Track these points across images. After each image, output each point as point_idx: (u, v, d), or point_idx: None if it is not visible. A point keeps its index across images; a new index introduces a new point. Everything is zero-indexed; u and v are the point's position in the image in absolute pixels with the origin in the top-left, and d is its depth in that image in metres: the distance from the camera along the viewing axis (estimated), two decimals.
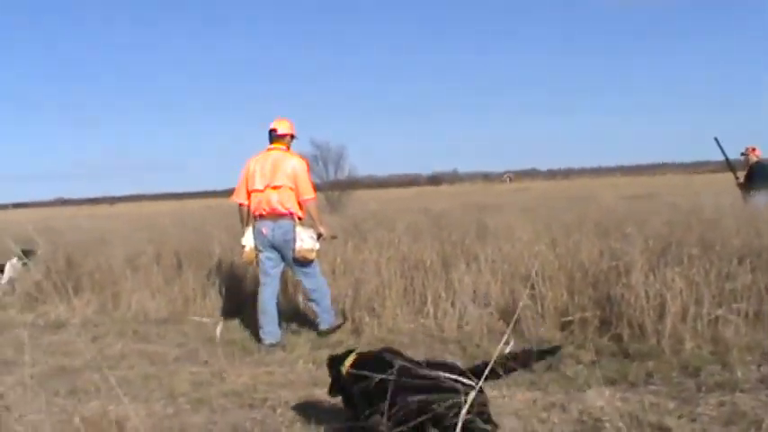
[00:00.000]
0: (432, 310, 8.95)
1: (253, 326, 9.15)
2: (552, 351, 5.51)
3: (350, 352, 5.62)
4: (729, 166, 14.94)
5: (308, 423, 5.62)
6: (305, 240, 8.67)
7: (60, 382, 7.31)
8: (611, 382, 6.40)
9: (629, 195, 16.62)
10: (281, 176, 8.71)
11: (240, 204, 9.05)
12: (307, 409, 6.03)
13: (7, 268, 13.46)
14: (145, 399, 6.51)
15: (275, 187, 8.69)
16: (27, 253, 13.70)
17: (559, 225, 10.88)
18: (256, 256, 8.87)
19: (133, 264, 11.97)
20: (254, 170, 8.84)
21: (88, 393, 6.76)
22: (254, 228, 8.83)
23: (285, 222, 8.68)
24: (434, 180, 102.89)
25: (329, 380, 5.76)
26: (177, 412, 6.13)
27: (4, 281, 13.50)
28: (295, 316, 9.71)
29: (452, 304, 8.83)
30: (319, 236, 8.92)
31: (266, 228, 8.69)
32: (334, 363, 5.57)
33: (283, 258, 8.82)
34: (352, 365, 5.39)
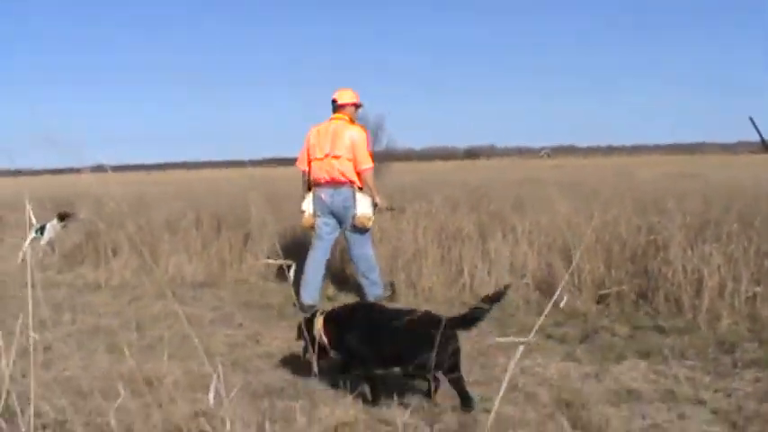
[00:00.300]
0: (468, 280, 8.95)
1: (288, 290, 9.20)
2: (501, 294, 5.72)
3: (314, 314, 6.05)
4: (765, 145, 14.97)
5: (343, 386, 5.64)
6: (364, 207, 8.81)
7: (98, 340, 7.38)
8: (645, 356, 6.40)
9: (667, 173, 16.47)
10: (340, 146, 8.79)
11: (303, 171, 9.13)
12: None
13: (47, 229, 13.58)
14: (181, 358, 6.56)
15: (335, 157, 8.78)
16: (66, 215, 13.86)
17: (597, 200, 10.82)
18: (314, 221, 8.96)
19: (171, 227, 12.05)
20: (315, 139, 8.97)
21: (125, 352, 6.82)
22: (313, 194, 8.94)
23: (344, 190, 8.78)
24: (471, 154, 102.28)
25: None
26: (213, 372, 6.18)
27: (43, 242, 13.63)
28: (330, 284, 9.75)
29: (489, 274, 8.85)
30: (375, 205, 8.99)
31: (325, 194, 8.81)
32: (307, 327, 5.73)
33: (340, 225, 8.94)
34: (325, 323, 5.84)
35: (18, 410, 3.46)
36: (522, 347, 2.88)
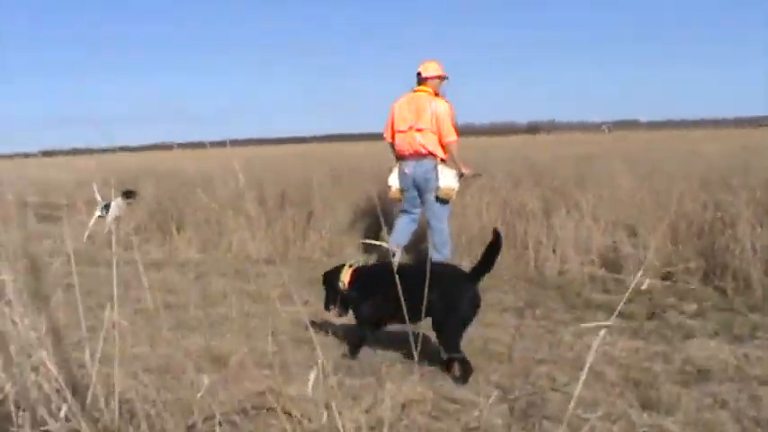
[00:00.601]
0: (532, 256, 8.89)
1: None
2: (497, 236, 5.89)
3: (342, 266, 6.51)
4: None
5: (409, 363, 5.64)
6: (448, 178, 8.92)
7: (164, 318, 7.43)
8: (714, 334, 6.32)
9: (732, 147, 16.21)
10: (424, 119, 8.91)
11: (390, 143, 9.29)
12: (406, 350, 6.04)
13: (112, 207, 13.75)
14: (247, 335, 6.60)
15: (418, 129, 8.92)
16: (131, 193, 14.03)
17: (661, 175, 10.69)
18: (401, 194, 9.16)
19: (235, 204, 12.13)
20: (399, 112, 9.11)
21: (191, 329, 6.88)
22: (398, 168, 9.15)
23: (427, 162, 8.91)
24: (532, 129, 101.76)
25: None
26: (279, 349, 6.20)
27: (109, 219, 13.79)
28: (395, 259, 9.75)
29: (553, 250, 8.78)
30: (461, 176, 9.11)
31: (409, 167, 8.98)
32: (331, 279, 6.42)
33: (422, 197, 9.07)
34: (352, 278, 6.28)
35: (92, 391, 3.49)
36: (603, 332, 2.82)
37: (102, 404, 3.38)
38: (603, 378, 5.23)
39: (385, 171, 9.49)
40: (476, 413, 4.52)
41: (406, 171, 8.98)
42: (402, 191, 9.14)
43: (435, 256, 8.85)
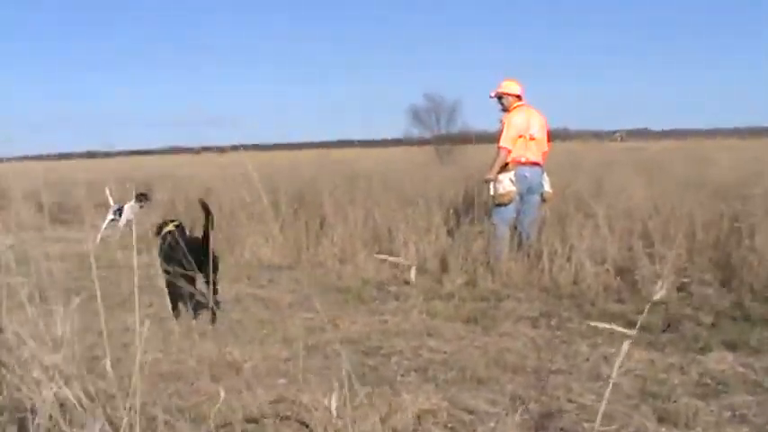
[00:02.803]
0: (547, 265, 8.84)
1: (364, 272, 9.32)
2: None
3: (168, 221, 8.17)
4: None
5: (424, 373, 5.60)
6: (548, 185, 9.73)
7: (176, 322, 7.43)
8: (731, 346, 6.21)
9: (748, 157, 16.11)
10: (538, 129, 9.71)
11: (505, 150, 9.56)
12: (422, 359, 6.02)
13: (125, 210, 13.76)
14: (260, 342, 6.57)
15: (533, 138, 9.64)
16: (144, 196, 14.04)
17: (677, 185, 10.63)
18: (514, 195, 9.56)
19: (248, 210, 12.11)
20: (529, 121, 9.67)
21: (204, 335, 6.84)
22: (516, 172, 9.50)
23: (538, 168, 9.65)
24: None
25: (443, 330, 6.02)
26: (292, 356, 6.17)
27: (122, 222, 13.80)
28: (408, 268, 9.72)
29: (568, 260, 8.71)
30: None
31: (529, 173, 9.53)
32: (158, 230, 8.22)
33: (526, 198, 9.61)
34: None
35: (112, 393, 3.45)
36: (626, 345, 2.77)
37: (121, 411, 3.34)
38: (619, 390, 5.16)
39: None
40: (492, 424, 4.48)
41: (527, 175, 9.53)
42: (515, 192, 9.53)
43: (525, 241, 9.44)
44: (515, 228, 9.55)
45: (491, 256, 9.25)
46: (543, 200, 9.78)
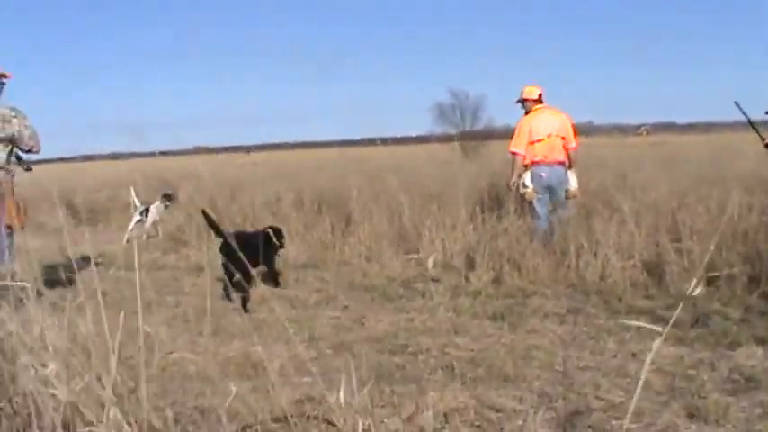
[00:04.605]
0: (573, 261, 8.79)
1: (390, 270, 9.35)
2: None
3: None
4: (753, 127, 14.86)
5: (451, 371, 5.57)
6: (573, 183, 10.17)
7: (203, 322, 7.42)
8: (761, 341, 6.13)
9: None
10: (556, 130, 10.18)
11: (516, 154, 10.24)
12: (448, 357, 5.99)
13: (152, 211, 13.81)
14: (286, 341, 6.56)
15: (554, 137, 10.14)
16: (169, 197, 14.08)
17: (703, 178, 10.56)
18: (534, 193, 10.08)
19: (272, 209, 12.13)
20: (535, 126, 10.19)
21: (231, 334, 6.85)
22: (531, 171, 10.08)
23: (559, 168, 10.12)
24: None
25: (470, 327, 6.01)
26: (319, 355, 6.17)
27: (148, 223, 13.86)
28: (435, 266, 9.71)
29: (595, 255, 8.65)
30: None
31: (544, 172, 10.02)
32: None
33: (552, 197, 10.12)
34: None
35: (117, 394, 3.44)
36: (657, 343, 2.73)
37: (145, 412, 3.33)
38: (648, 387, 5.11)
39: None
40: (519, 422, 4.45)
41: (543, 175, 10.03)
42: (535, 191, 10.04)
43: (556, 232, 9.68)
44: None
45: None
46: (567, 197, 10.12)
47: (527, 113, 10.48)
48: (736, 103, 14.98)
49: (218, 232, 8.87)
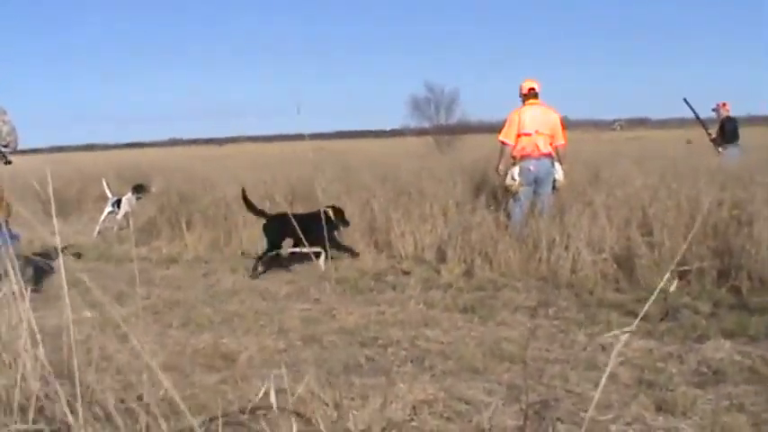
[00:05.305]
0: (545, 254, 8.81)
1: (362, 263, 9.35)
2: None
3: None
4: (700, 122, 15.31)
5: (420, 363, 5.57)
6: (560, 174, 10.29)
7: (173, 314, 7.41)
8: (729, 335, 6.17)
9: (747, 146, 16.06)
10: (546, 126, 10.36)
11: (505, 144, 10.42)
12: (418, 349, 5.99)
13: (123, 203, 13.72)
14: (256, 333, 6.55)
15: (541, 134, 10.26)
16: (141, 188, 13.99)
17: (675, 174, 10.60)
18: (519, 186, 10.19)
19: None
20: (524, 118, 10.34)
21: (200, 326, 6.83)
22: (520, 165, 10.21)
23: (546, 160, 10.24)
24: None
25: (440, 320, 6.05)
26: (288, 347, 6.15)
27: (120, 215, 13.77)
28: (406, 258, 9.72)
29: (566, 249, 8.68)
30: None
31: (532, 165, 10.16)
32: None
33: (537, 189, 10.22)
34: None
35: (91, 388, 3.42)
36: (623, 338, 2.75)
37: (110, 404, 3.31)
38: (617, 380, 5.13)
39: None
40: (488, 414, 4.44)
41: (531, 168, 10.14)
42: (521, 183, 10.14)
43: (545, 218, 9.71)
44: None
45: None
46: (554, 188, 10.29)
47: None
48: (685, 100, 15.29)
49: (261, 213, 10.13)
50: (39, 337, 3.45)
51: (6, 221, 7.93)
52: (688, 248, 8.11)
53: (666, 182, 9.83)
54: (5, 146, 8.26)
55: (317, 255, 9.37)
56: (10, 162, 8.55)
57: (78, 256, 10.98)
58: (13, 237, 7.97)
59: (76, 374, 3.11)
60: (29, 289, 3.76)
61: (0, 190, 8.38)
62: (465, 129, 44.14)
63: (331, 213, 9.72)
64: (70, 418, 3.11)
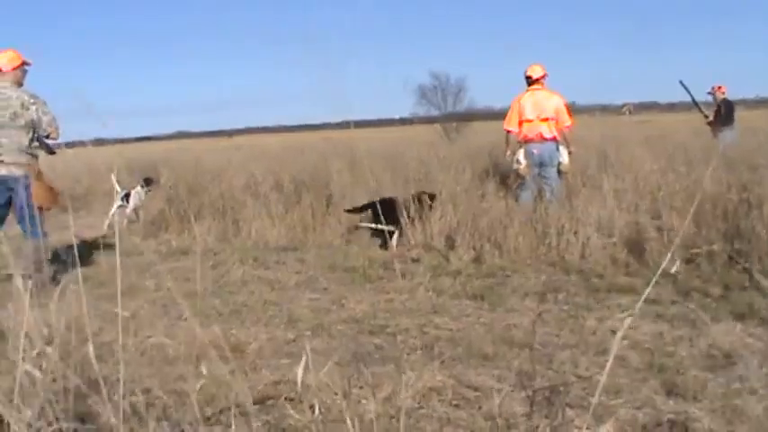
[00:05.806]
0: (554, 240, 8.79)
1: (371, 251, 9.37)
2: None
3: None
4: (696, 105, 15.36)
5: (429, 350, 5.56)
6: (565, 157, 10.69)
7: (182, 306, 7.40)
8: (740, 318, 6.16)
9: (755, 128, 16.00)
10: (548, 110, 10.76)
11: (510, 131, 11.02)
12: (427, 337, 5.98)
13: (132, 196, 13.72)
14: (265, 324, 6.55)
15: (543, 119, 10.72)
16: (150, 181, 14.00)
17: (685, 157, 10.58)
18: (527, 169, 10.69)
19: (253, 192, 12.09)
20: (524, 105, 10.86)
21: (210, 317, 6.83)
22: (525, 149, 10.69)
23: (550, 143, 10.71)
24: None
25: (450, 307, 6.01)
26: (297, 337, 6.15)
27: (129, 209, 13.78)
28: (415, 246, 9.71)
29: (575, 234, 8.66)
30: (569, 153, 10.85)
31: (536, 149, 10.67)
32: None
33: (542, 172, 10.66)
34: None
35: (101, 380, 3.42)
36: (628, 320, 2.74)
37: (121, 395, 3.30)
38: (627, 363, 5.12)
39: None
40: (497, 401, 4.43)
41: (535, 152, 10.63)
42: (528, 166, 10.64)
43: (554, 204, 9.83)
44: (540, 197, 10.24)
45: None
46: (559, 171, 10.65)
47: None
48: (681, 83, 15.30)
49: (367, 206, 10.40)
50: (52, 330, 3.45)
51: (42, 222, 8.01)
52: (698, 232, 8.10)
53: (676, 165, 9.82)
54: (47, 136, 8.33)
55: (391, 234, 9.68)
56: (54, 152, 8.63)
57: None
58: (45, 235, 8.05)
59: (96, 368, 3.10)
60: (45, 282, 3.78)
61: (48, 179, 8.48)
62: (472, 116, 44.07)
63: (426, 198, 10.12)
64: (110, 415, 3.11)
